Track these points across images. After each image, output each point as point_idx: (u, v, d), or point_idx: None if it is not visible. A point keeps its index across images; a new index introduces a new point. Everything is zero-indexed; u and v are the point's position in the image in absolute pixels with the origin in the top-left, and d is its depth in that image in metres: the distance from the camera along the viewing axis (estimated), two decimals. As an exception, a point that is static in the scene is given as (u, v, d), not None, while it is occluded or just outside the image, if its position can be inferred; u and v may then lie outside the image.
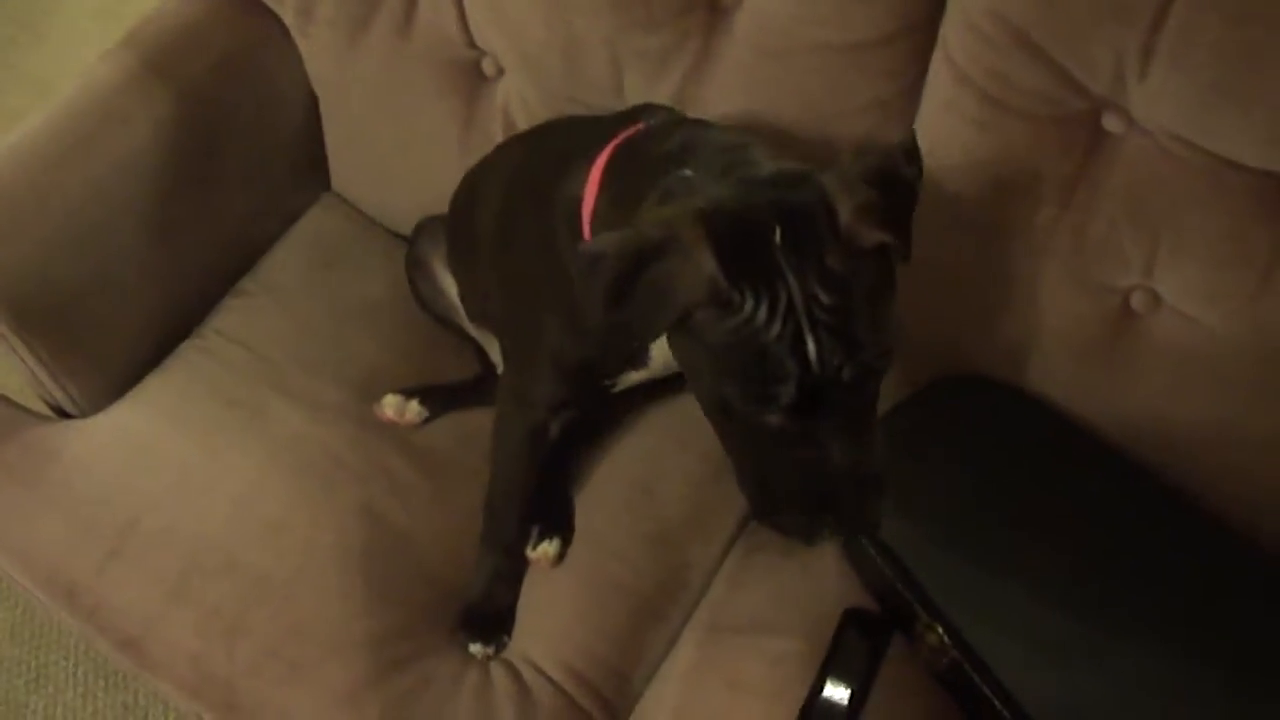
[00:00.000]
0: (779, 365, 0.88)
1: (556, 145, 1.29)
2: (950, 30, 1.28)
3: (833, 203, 0.90)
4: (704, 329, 0.90)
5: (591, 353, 1.22)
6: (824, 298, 0.88)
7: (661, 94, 1.40)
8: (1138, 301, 1.32)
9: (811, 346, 0.88)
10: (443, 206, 1.55)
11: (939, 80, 1.31)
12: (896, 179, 0.96)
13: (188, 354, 1.62)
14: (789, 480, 0.95)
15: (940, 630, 1.24)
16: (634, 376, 1.28)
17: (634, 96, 1.43)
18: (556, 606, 1.41)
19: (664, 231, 0.90)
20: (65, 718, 1.87)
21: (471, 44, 1.52)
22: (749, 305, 0.88)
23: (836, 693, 1.26)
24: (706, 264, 0.88)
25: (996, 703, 1.20)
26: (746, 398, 0.91)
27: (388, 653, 1.36)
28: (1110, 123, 1.25)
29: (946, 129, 1.31)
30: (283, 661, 1.35)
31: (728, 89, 1.39)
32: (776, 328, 0.88)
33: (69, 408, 1.60)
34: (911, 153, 1.00)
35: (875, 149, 0.98)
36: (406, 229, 1.69)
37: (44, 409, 1.64)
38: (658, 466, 1.49)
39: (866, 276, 0.90)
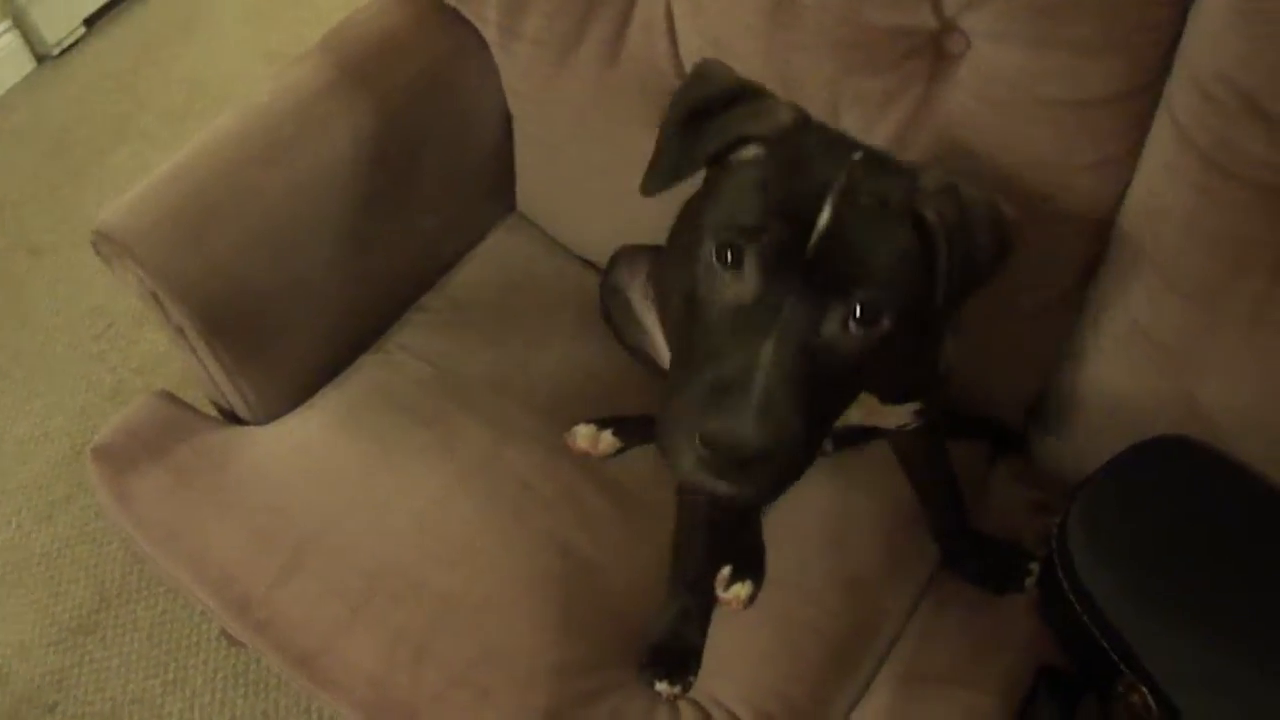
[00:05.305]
0: (793, 201, 0.89)
1: None
2: (1176, 91, 1.25)
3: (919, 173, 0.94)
4: (739, 167, 0.93)
5: None
6: (864, 191, 0.90)
7: (879, 137, 1.38)
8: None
9: (828, 208, 0.88)
10: (633, 235, 1.53)
11: (1161, 141, 1.28)
12: (984, 230, 0.97)
13: (368, 367, 1.60)
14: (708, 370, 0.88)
15: (1145, 690, 1.21)
16: None
17: (850, 138, 1.41)
18: (747, 648, 1.38)
19: (768, 96, 0.98)
20: (202, 722, 1.86)
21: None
22: (803, 154, 0.92)
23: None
24: (785, 114, 0.94)
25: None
26: (735, 230, 0.89)
27: (578, 685, 1.34)
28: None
29: (1166, 191, 1.29)
30: (471, 689, 1.32)
31: (947, 136, 1.37)
32: (809, 180, 0.89)
33: (243, 413, 1.58)
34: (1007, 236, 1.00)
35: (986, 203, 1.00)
36: (591, 254, 1.69)
37: (210, 410, 1.62)
38: (849, 512, 1.46)
39: (904, 230, 0.91)
